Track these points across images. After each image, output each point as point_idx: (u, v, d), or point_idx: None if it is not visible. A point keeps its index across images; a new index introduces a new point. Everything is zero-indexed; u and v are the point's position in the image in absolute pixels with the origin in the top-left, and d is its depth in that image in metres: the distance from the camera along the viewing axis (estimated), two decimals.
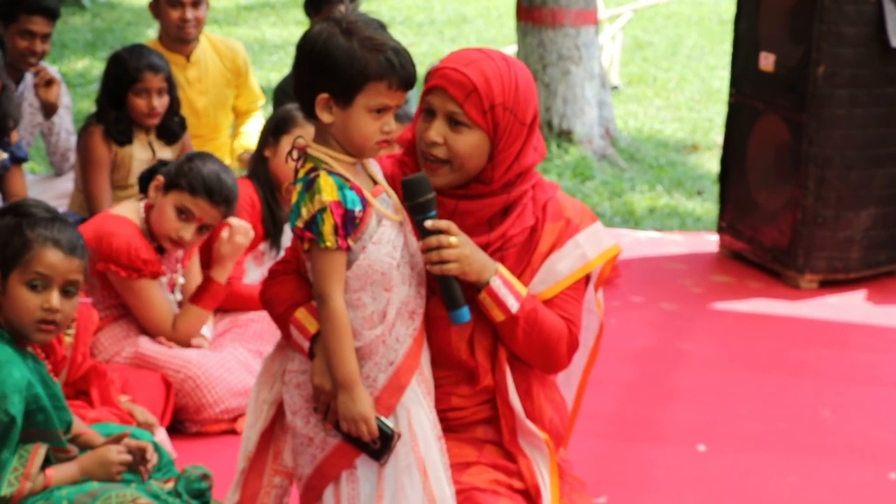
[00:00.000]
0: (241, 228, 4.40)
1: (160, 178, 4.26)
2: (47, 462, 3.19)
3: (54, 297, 3.14)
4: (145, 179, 4.32)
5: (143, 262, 4.20)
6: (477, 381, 2.97)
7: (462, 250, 2.82)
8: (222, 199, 4.22)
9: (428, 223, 2.82)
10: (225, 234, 4.38)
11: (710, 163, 8.89)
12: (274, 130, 4.85)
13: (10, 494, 3.08)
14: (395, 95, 2.77)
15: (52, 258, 3.13)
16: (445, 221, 2.83)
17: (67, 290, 3.17)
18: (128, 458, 3.28)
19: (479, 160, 2.87)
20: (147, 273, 4.23)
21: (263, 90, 6.46)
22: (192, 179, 4.19)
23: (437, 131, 2.85)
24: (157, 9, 5.95)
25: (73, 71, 11.10)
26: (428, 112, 2.88)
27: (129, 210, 4.32)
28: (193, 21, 5.90)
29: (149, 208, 4.29)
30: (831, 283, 6.10)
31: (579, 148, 8.71)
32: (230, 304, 4.62)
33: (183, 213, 4.21)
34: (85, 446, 3.34)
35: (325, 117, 2.77)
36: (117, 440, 3.31)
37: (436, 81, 2.85)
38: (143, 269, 4.21)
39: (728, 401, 4.78)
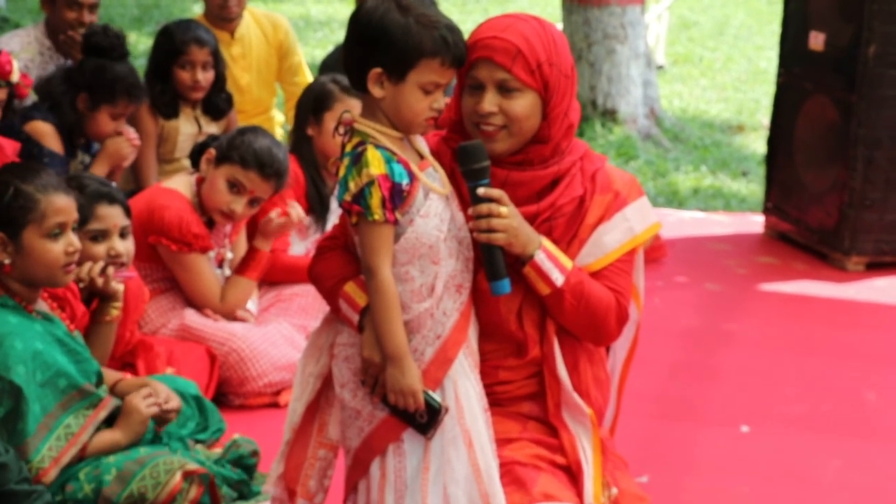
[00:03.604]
0: (296, 206, 4.45)
1: (212, 152, 4.29)
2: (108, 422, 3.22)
3: (74, 239, 3.19)
4: (197, 153, 4.36)
5: (193, 236, 4.24)
6: (525, 353, 2.96)
7: (511, 221, 2.82)
8: (273, 172, 4.25)
9: (481, 190, 2.82)
10: (274, 213, 4.40)
11: (756, 144, 8.83)
12: (314, 108, 4.85)
13: (46, 464, 3.10)
14: (446, 73, 2.78)
15: (61, 203, 3.18)
16: (498, 191, 2.83)
17: (75, 228, 3.23)
18: (147, 390, 3.30)
19: (535, 120, 2.87)
20: (197, 247, 4.26)
21: (308, 67, 6.45)
22: (244, 152, 4.22)
23: (490, 102, 2.85)
24: None
25: None
26: (474, 87, 2.87)
27: (181, 184, 4.36)
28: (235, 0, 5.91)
29: (200, 182, 4.32)
30: (878, 266, 6.05)
31: (623, 127, 8.67)
32: (275, 275, 4.65)
33: (234, 187, 4.24)
34: (122, 395, 3.36)
35: (377, 92, 2.78)
36: (139, 387, 3.33)
37: (479, 53, 2.84)
38: (193, 243, 4.25)
39: (772, 382, 4.75)
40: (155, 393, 3.31)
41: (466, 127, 2.92)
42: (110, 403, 3.25)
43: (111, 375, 3.45)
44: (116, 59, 4.82)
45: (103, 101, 4.76)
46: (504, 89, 2.85)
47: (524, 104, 2.85)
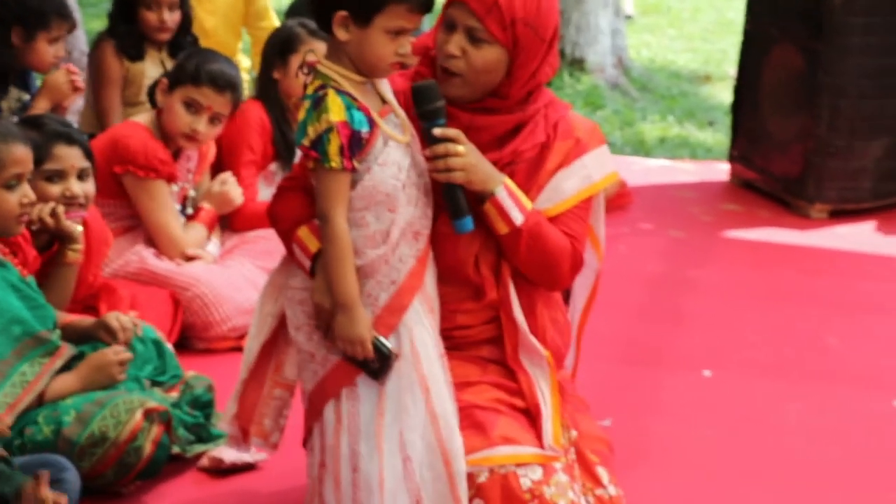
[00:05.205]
0: (233, 182, 4.51)
1: (164, 81, 4.34)
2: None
3: (29, 190, 3.19)
4: (153, 92, 4.36)
5: (160, 161, 4.27)
6: (482, 297, 2.97)
7: (468, 159, 2.82)
8: (226, 83, 4.30)
9: (436, 130, 2.82)
10: (217, 183, 4.49)
11: (723, 94, 8.84)
12: (281, 50, 4.82)
13: (1, 411, 3.10)
14: (413, 18, 2.77)
15: (19, 153, 3.20)
16: (454, 130, 2.83)
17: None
18: (127, 355, 3.30)
19: (495, 75, 2.86)
20: (164, 174, 4.29)
21: (276, 13, 6.40)
22: (193, 71, 4.28)
23: (456, 44, 2.84)
24: None
25: None
26: (448, 25, 2.86)
27: (142, 118, 4.41)
28: None
29: (159, 114, 4.32)
30: (841, 214, 6.08)
31: (591, 77, 8.66)
32: (241, 223, 4.64)
33: (192, 106, 4.28)
34: (75, 336, 3.35)
35: (342, 35, 2.76)
36: (102, 325, 3.34)
37: None
38: (160, 168, 4.27)
39: (735, 328, 4.78)
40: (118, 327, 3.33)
41: (436, 59, 2.91)
42: (67, 352, 3.25)
43: (61, 318, 3.44)
44: None
45: (38, 29, 4.67)
46: (472, 37, 2.84)
47: (487, 57, 2.84)
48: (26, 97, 4.80)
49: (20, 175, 3.18)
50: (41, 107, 4.67)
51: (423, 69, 2.95)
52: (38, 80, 4.96)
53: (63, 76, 4.70)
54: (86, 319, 3.45)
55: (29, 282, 3.29)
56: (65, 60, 5.69)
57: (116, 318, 3.37)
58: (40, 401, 3.19)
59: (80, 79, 4.76)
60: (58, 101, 4.73)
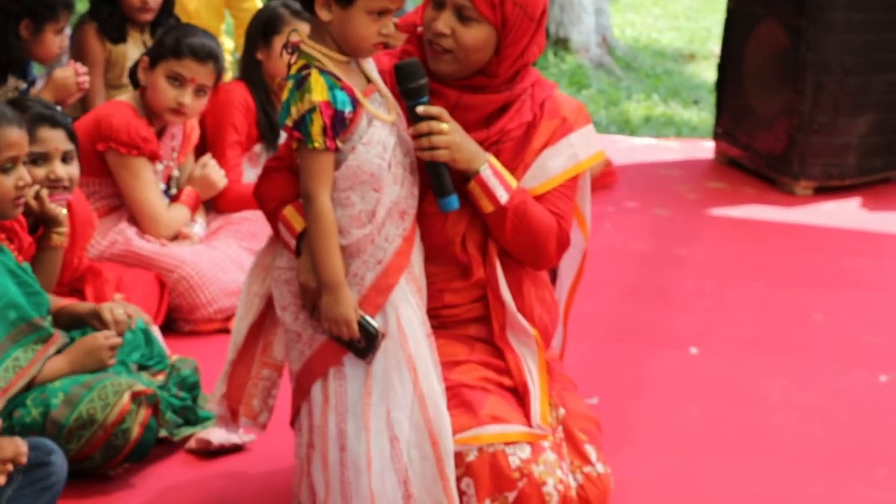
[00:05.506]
0: (213, 165, 4.51)
1: (145, 59, 4.33)
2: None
3: (24, 172, 3.18)
4: (134, 73, 4.35)
5: (142, 139, 4.26)
6: (470, 275, 2.98)
7: (452, 137, 2.82)
8: (206, 53, 4.29)
9: (419, 109, 2.82)
10: (198, 167, 4.49)
11: (707, 72, 8.85)
12: (264, 31, 4.81)
13: None
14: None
15: (14, 136, 3.18)
16: (437, 108, 2.83)
17: (35, 161, 3.27)
18: (117, 340, 3.30)
19: (484, 54, 2.86)
20: (146, 151, 4.28)
21: None
22: (173, 45, 4.27)
23: (445, 23, 2.83)
24: None
25: None
26: (437, 3, 2.86)
27: (126, 97, 4.40)
28: None
29: (143, 93, 4.31)
30: (826, 190, 6.10)
31: (576, 56, 8.67)
32: (227, 204, 4.63)
33: (175, 80, 4.27)
34: (68, 321, 3.35)
35: (324, 15, 2.75)
36: (96, 315, 3.33)
37: None
38: (142, 146, 4.26)
39: (721, 305, 4.79)
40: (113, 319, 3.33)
41: (423, 39, 2.90)
42: (59, 339, 3.25)
43: (55, 303, 3.43)
44: None
45: (47, 20, 4.68)
46: (462, 15, 2.83)
47: (476, 35, 2.84)
48: (23, 85, 4.78)
49: (15, 158, 3.17)
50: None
51: (411, 48, 2.94)
52: (35, 69, 4.94)
53: (72, 75, 4.69)
54: (80, 305, 3.44)
55: (25, 268, 3.28)
56: None
57: (110, 311, 3.35)
58: (30, 384, 3.19)
59: (85, 80, 4.75)
60: (63, 99, 4.73)
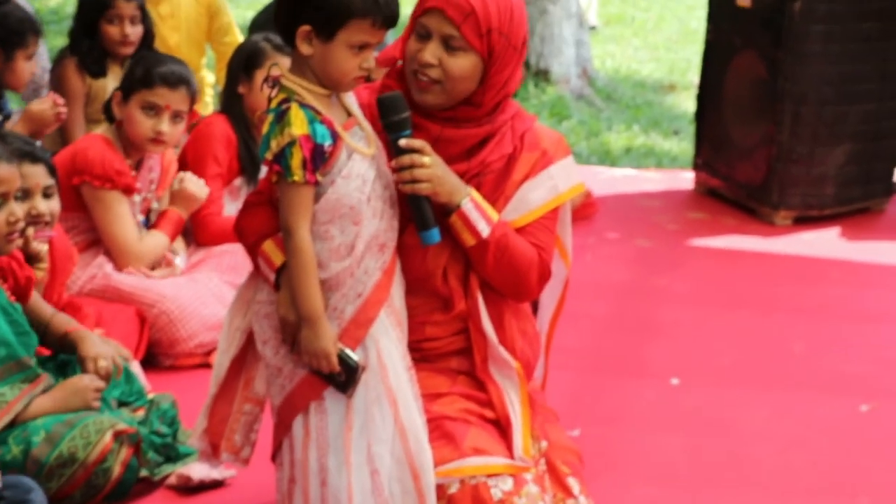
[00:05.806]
0: (190, 177, 4.49)
1: (118, 93, 4.33)
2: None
3: (16, 208, 3.18)
4: (108, 108, 4.35)
5: (116, 172, 4.25)
6: (451, 308, 2.98)
7: (434, 171, 2.83)
8: (177, 79, 4.29)
9: (402, 142, 2.82)
10: (176, 181, 4.47)
11: (687, 103, 8.89)
12: (246, 65, 4.82)
13: None
14: (376, 33, 2.77)
15: (4, 172, 3.18)
16: (419, 141, 2.84)
17: (17, 197, 3.24)
18: (101, 384, 3.29)
19: (471, 83, 2.87)
20: (120, 184, 4.26)
21: (240, 28, 6.39)
22: (143, 75, 4.27)
23: (432, 53, 2.84)
24: None
25: (45, 7, 10.99)
26: (421, 34, 2.86)
27: (101, 131, 4.39)
28: None
29: (119, 126, 4.31)
30: (805, 220, 6.13)
31: (556, 87, 8.69)
32: (208, 238, 4.63)
33: (150, 109, 4.26)
34: (65, 345, 3.34)
35: (305, 49, 2.76)
36: (84, 361, 3.33)
37: (433, 2, 2.84)
38: (116, 179, 4.25)
39: (702, 336, 4.80)
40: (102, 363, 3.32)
41: (406, 70, 2.91)
42: (45, 381, 3.25)
43: (60, 321, 3.44)
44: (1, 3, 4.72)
45: (16, 47, 4.67)
46: (448, 45, 2.84)
47: (464, 65, 2.85)
48: None
49: (6, 194, 3.17)
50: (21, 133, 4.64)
51: (391, 81, 2.95)
52: (11, 103, 4.92)
53: (50, 108, 4.66)
54: (79, 336, 3.43)
55: (16, 307, 3.28)
56: None
57: (94, 362, 3.35)
58: (13, 422, 3.18)
59: (63, 111, 4.72)
60: (38, 130, 4.71)
